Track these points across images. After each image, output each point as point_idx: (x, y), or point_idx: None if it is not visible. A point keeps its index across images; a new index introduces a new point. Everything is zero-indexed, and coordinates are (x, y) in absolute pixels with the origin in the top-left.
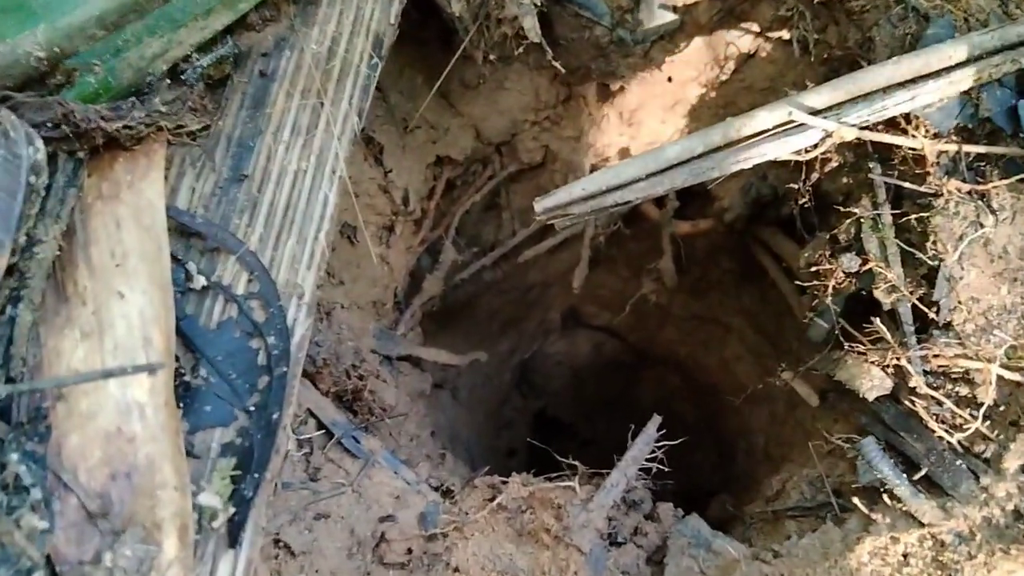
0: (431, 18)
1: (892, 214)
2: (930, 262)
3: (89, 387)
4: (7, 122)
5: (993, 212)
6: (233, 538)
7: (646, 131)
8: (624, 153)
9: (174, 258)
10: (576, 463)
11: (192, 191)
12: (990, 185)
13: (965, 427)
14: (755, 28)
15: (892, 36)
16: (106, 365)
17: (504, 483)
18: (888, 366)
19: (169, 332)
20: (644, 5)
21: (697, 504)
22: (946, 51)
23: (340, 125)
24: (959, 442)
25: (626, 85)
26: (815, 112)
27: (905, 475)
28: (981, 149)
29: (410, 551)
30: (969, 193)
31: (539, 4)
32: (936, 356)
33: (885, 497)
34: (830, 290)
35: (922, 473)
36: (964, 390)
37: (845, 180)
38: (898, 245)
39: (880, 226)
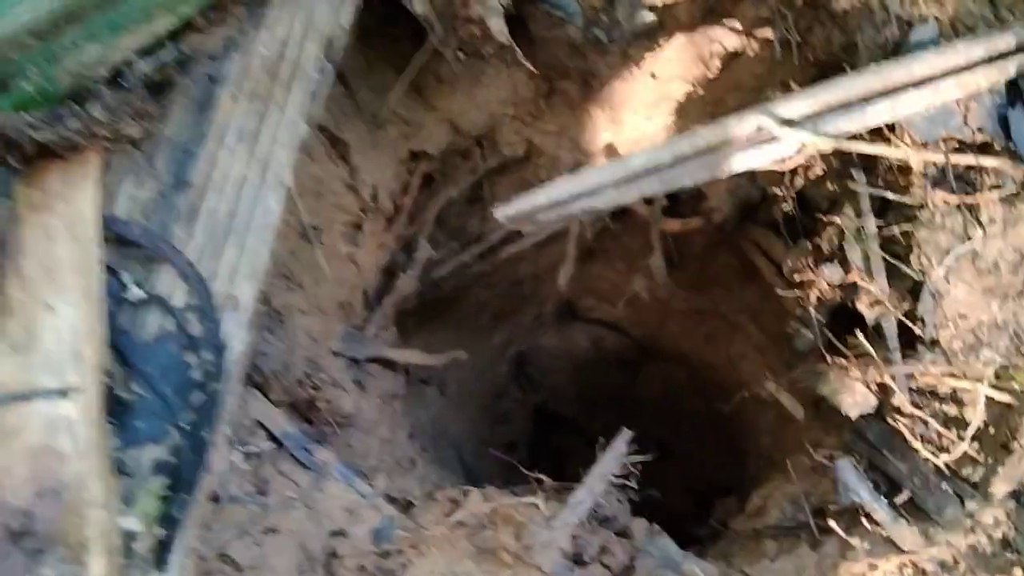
0: (401, 13)
1: (877, 225)
2: (916, 276)
3: (15, 402)
4: None
5: (982, 225)
6: (160, 560)
7: (630, 128)
8: (609, 149)
9: (109, 269)
10: (542, 476)
11: (131, 198)
12: (979, 197)
13: (951, 449)
14: (739, 27)
15: (875, 41)
16: (35, 379)
17: (465, 495)
18: (872, 383)
19: (100, 346)
20: (619, 4)
21: (709, 503)
22: (929, 59)
23: (287, 132)
24: (945, 464)
25: (608, 82)
26: (790, 122)
27: (885, 498)
28: (970, 160)
29: (363, 568)
30: (957, 205)
31: (506, 4)
32: (922, 374)
33: (864, 520)
34: (813, 300)
35: (905, 496)
36: (951, 410)
37: (830, 187)
38: (882, 257)
39: (864, 237)
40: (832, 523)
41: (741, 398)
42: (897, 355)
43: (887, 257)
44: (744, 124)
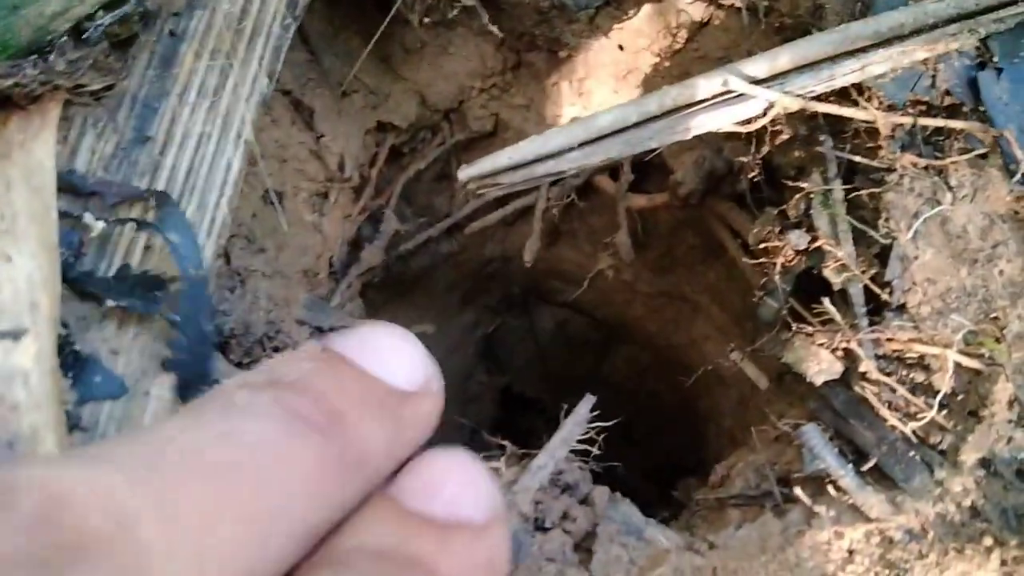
0: None
1: (843, 189)
2: (883, 240)
3: None
4: None
5: (951, 189)
6: None
7: (597, 100)
8: (579, 119)
9: (66, 216)
10: (505, 443)
11: (92, 152)
12: (948, 161)
13: (919, 416)
14: None
15: (842, 3)
16: None
17: None
18: (838, 349)
19: (55, 296)
20: None
21: (671, 485)
22: (897, 18)
23: (248, 87)
24: (913, 432)
25: (575, 53)
26: (756, 81)
27: (852, 465)
28: (939, 123)
29: None
30: (926, 168)
31: None
32: (889, 340)
33: (831, 488)
34: (779, 268)
35: (872, 463)
36: (919, 376)
37: (797, 154)
38: (849, 222)
39: (830, 202)
40: (798, 491)
41: (704, 373)
42: (864, 321)
43: (854, 222)
44: (711, 83)
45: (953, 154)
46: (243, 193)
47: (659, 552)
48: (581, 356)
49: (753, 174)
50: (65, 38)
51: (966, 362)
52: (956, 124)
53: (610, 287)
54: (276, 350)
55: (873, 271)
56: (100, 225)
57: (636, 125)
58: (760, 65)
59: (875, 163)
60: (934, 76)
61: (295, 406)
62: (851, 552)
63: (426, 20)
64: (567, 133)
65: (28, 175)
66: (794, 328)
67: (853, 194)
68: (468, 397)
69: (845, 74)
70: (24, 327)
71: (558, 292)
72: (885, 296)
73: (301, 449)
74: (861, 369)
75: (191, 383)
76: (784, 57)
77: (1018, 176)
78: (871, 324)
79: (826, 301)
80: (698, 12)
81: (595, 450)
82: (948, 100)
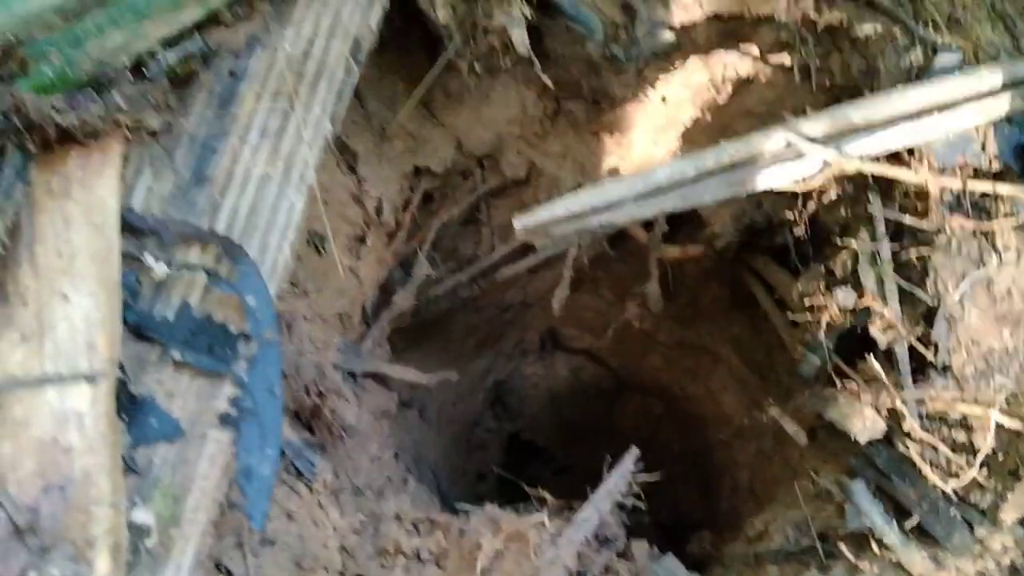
0: (415, 25)
1: (891, 249)
2: (929, 301)
3: (24, 393)
4: None
5: (997, 252)
6: (259, 520)
7: (637, 151)
8: (614, 173)
9: (129, 256)
10: (546, 495)
11: (149, 191)
12: (995, 224)
13: (961, 475)
14: (755, 51)
15: (897, 67)
16: (45, 370)
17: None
18: (882, 408)
19: (115, 338)
20: (639, 22)
21: (677, 538)
22: (953, 85)
23: (312, 131)
24: (954, 490)
25: (617, 103)
26: (814, 140)
27: (895, 522)
28: (987, 186)
29: None
30: (973, 231)
31: (529, 16)
32: (933, 399)
33: (874, 545)
34: (823, 325)
35: (914, 521)
36: (961, 436)
37: (843, 212)
38: (896, 282)
39: (878, 261)
40: (841, 547)
41: (720, 426)
42: (908, 380)
43: (901, 281)
44: (771, 140)
45: (1000, 218)
46: None
47: None
48: (592, 404)
49: (799, 231)
50: (125, 73)
51: (1008, 422)
52: (1004, 188)
53: (628, 336)
54: (321, 395)
55: (918, 331)
56: (163, 269)
57: (694, 180)
58: (819, 124)
59: (923, 224)
60: (984, 141)
61: None
62: None
63: (476, 68)
64: (625, 185)
65: (89, 212)
66: (838, 385)
67: (901, 254)
68: (475, 444)
69: (900, 137)
70: (86, 372)
71: (575, 339)
72: (930, 356)
73: None
74: (905, 428)
75: (253, 440)
76: (844, 118)
77: None
78: (915, 383)
79: (871, 359)
80: (745, 68)
81: (638, 503)
82: (996, 165)
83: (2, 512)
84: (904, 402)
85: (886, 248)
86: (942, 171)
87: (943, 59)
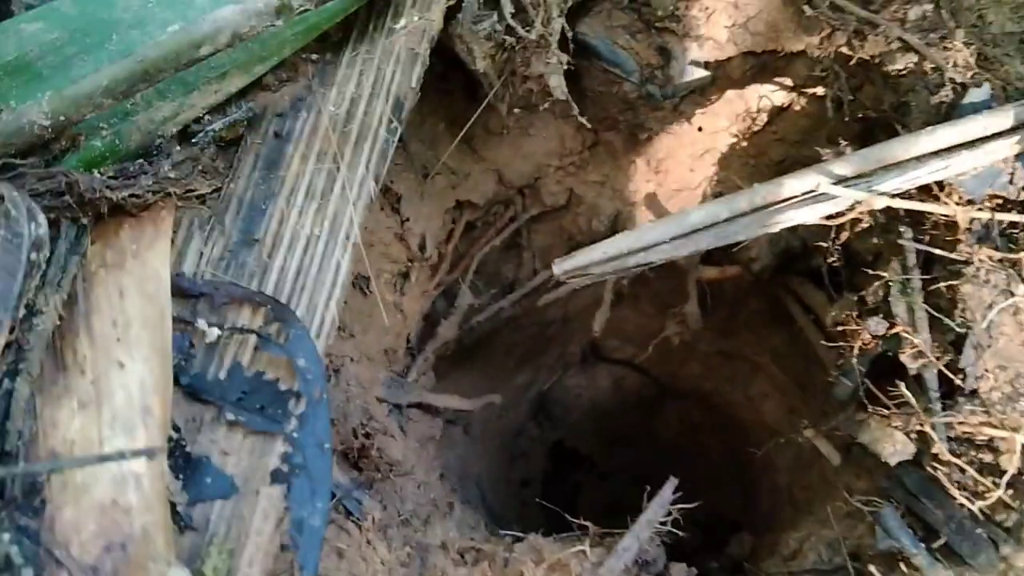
0: (454, 70)
1: (921, 279)
2: (958, 329)
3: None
4: (9, 200)
5: (1023, 280)
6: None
7: (673, 178)
8: (651, 199)
9: (179, 320)
10: (588, 524)
11: (200, 255)
12: (1023, 254)
13: (987, 495)
14: (788, 83)
15: (927, 103)
16: (103, 436)
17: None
18: (912, 431)
19: (167, 400)
20: (675, 61)
21: (717, 539)
22: (983, 122)
23: (356, 190)
24: (980, 510)
25: (653, 134)
26: (845, 180)
27: (923, 544)
28: (1015, 217)
29: None
30: (1001, 261)
31: (565, 63)
32: (960, 423)
33: (902, 565)
34: (856, 350)
35: (941, 541)
36: (987, 457)
37: (875, 241)
38: (926, 310)
39: (909, 290)
40: (872, 568)
41: (758, 430)
42: (937, 405)
43: (930, 310)
44: (802, 183)
45: None
46: None
47: None
48: (633, 412)
49: (832, 259)
50: (173, 142)
51: None
52: None
53: (669, 346)
54: (368, 436)
55: (947, 357)
56: (215, 333)
57: (726, 221)
58: (850, 165)
59: (953, 255)
60: (1012, 173)
61: None
62: None
63: (515, 110)
64: (661, 229)
65: (142, 283)
66: (870, 409)
67: (931, 284)
68: (518, 453)
69: (930, 173)
70: (145, 446)
71: (616, 350)
72: (958, 381)
73: None
74: (933, 451)
75: (305, 493)
76: (874, 158)
77: None
78: (943, 407)
79: (902, 385)
80: (779, 98)
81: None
82: (1023, 196)
83: (67, 574)
84: (933, 426)
85: (916, 278)
86: (971, 203)
87: (972, 96)
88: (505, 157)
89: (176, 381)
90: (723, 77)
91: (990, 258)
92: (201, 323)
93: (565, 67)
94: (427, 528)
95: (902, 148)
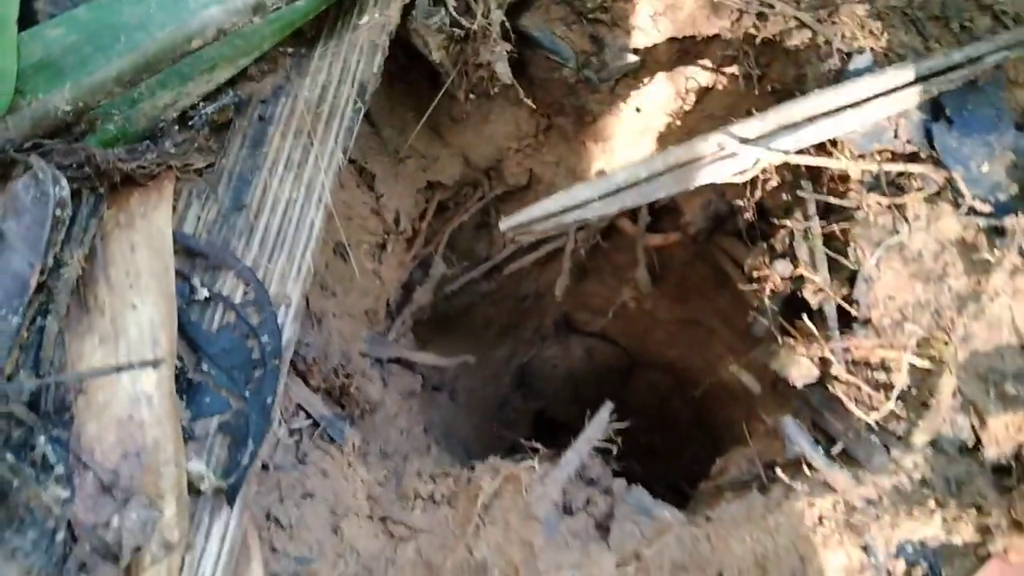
0: (417, 62)
1: (821, 226)
2: (852, 266)
3: (105, 381)
4: (37, 167)
5: (908, 221)
6: (231, 499)
7: (619, 155)
8: (601, 175)
9: (180, 274)
10: (538, 445)
11: (198, 219)
12: (907, 198)
13: (880, 408)
14: (709, 64)
15: (819, 72)
16: (120, 363)
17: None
18: (815, 357)
19: (172, 335)
20: (607, 48)
21: (690, 498)
22: (864, 84)
23: (327, 160)
24: (875, 421)
25: (599, 117)
26: (747, 141)
27: (823, 449)
28: (900, 167)
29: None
30: (888, 205)
31: (511, 51)
32: (856, 347)
33: (806, 469)
34: (768, 292)
35: (840, 448)
36: (880, 376)
37: (783, 197)
38: (825, 252)
39: (810, 236)
40: (779, 472)
41: (718, 390)
42: (836, 333)
43: (829, 252)
44: (708, 143)
45: (911, 192)
46: (319, 248)
47: (665, 526)
48: (607, 381)
49: (748, 215)
50: (173, 125)
51: (919, 363)
52: (914, 168)
53: (633, 316)
54: (348, 376)
55: (844, 292)
56: (204, 293)
57: (647, 180)
58: (751, 127)
59: (845, 203)
60: (896, 129)
61: None
62: (821, 518)
63: (471, 96)
64: (589, 188)
65: (149, 239)
66: (780, 341)
67: (828, 229)
68: (504, 422)
69: (822, 131)
70: (151, 359)
71: (586, 323)
72: (853, 312)
73: None
74: (833, 372)
75: (243, 443)
76: (771, 120)
77: (964, 208)
78: (841, 334)
79: (805, 318)
80: (704, 79)
81: (614, 448)
82: (908, 148)
83: (93, 474)
84: (832, 351)
85: (816, 225)
86: (861, 156)
87: (856, 62)
88: (469, 141)
89: (179, 321)
90: (652, 61)
91: (878, 204)
92: (195, 281)
93: (509, 55)
94: (406, 464)
95: (797, 110)
